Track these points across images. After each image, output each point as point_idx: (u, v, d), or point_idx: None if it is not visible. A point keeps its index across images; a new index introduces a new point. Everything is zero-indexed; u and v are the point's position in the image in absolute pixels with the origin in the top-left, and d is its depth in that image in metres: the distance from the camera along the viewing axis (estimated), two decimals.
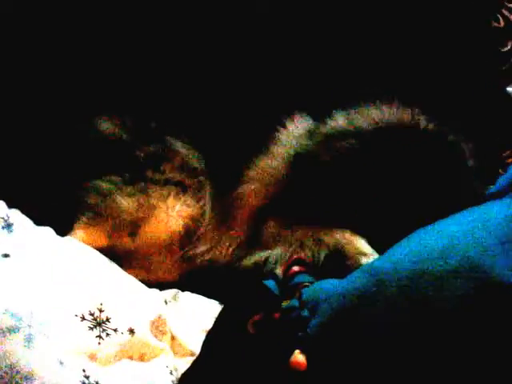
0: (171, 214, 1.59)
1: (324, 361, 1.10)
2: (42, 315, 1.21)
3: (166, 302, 1.48)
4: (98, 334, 1.23)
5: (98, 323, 1.23)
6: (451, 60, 1.81)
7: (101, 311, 1.25)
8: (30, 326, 1.19)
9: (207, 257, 1.63)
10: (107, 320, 1.24)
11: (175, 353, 1.38)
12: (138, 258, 1.60)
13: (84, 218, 1.55)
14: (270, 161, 1.64)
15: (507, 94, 1.83)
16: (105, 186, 1.59)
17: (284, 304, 1.20)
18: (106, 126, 1.69)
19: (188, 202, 1.62)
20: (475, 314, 1.06)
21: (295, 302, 1.17)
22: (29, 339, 1.18)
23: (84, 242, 1.48)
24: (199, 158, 1.69)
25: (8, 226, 1.34)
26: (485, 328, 1.05)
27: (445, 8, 1.80)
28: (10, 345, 1.14)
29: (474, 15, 1.82)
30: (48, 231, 1.41)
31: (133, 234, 1.58)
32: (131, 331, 1.28)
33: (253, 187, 1.63)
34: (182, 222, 1.61)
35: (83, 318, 1.23)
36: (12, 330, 1.15)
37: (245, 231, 1.62)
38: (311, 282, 1.27)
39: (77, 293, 1.26)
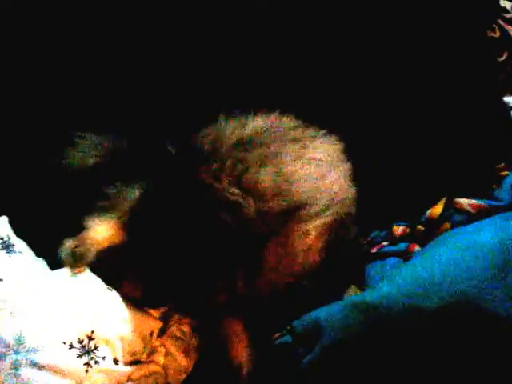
0: None
1: None
2: (29, 342, 1.18)
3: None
4: (86, 362, 1.20)
5: (87, 351, 1.21)
6: (448, 69, 1.79)
7: (90, 339, 1.22)
8: (17, 352, 1.17)
9: None
10: (95, 348, 1.22)
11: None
12: None
13: None
14: None
15: (504, 103, 1.81)
16: None
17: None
18: None
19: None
20: (472, 348, 1.04)
21: (288, 338, 1.14)
22: (16, 366, 1.17)
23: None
24: None
25: (7, 247, 1.31)
26: (484, 364, 1.03)
27: (442, 17, 1.78)
28: None
29: (471, 25, 1.80)
30: (42, 262, 1.36)
31: None
32: (115, 361, 1.25)
33: None
34: None
35: (71, 346, 1.20)
36: None
37: None
38: None
39: (67, 320, 1.22)
